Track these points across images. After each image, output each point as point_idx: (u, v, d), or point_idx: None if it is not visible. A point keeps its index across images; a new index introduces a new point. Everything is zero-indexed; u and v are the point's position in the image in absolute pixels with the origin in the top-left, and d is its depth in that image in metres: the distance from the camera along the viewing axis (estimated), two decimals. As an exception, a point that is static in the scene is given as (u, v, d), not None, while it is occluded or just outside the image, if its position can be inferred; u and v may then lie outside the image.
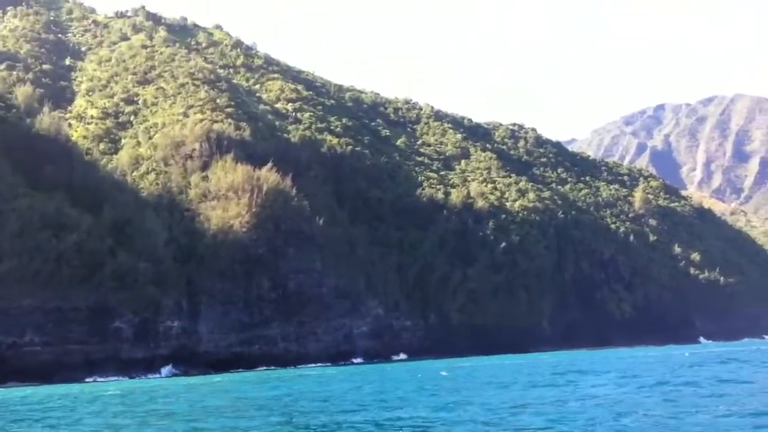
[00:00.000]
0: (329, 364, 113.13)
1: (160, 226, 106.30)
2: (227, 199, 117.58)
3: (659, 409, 30.26)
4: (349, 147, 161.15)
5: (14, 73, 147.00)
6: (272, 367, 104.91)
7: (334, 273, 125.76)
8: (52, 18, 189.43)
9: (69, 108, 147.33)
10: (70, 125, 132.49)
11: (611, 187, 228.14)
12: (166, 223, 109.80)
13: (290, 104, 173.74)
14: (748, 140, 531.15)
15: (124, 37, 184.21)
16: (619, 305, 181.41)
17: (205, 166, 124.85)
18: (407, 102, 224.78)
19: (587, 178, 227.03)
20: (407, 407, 35.55)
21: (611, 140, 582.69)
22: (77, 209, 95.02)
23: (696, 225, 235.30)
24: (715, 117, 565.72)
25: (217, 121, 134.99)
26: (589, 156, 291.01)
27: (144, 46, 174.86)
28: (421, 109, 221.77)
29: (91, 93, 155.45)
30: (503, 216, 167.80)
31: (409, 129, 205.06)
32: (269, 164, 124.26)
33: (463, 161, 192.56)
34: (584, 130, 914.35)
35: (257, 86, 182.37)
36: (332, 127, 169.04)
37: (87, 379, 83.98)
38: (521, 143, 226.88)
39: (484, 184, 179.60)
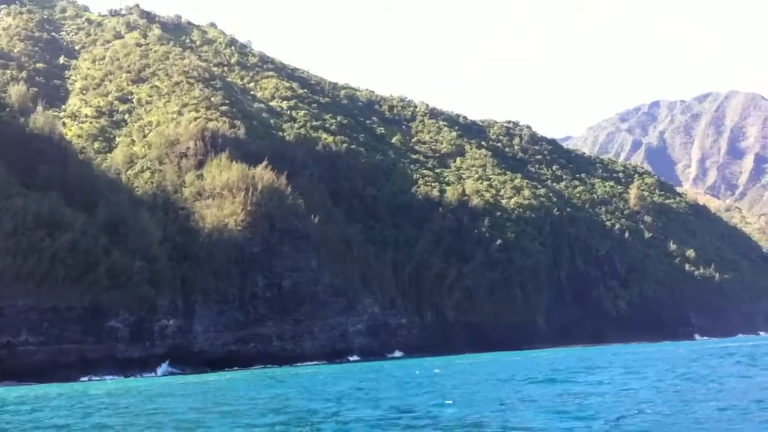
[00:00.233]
0: (325, 362, 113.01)
1: (154, 225, 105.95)
2: (222, 197, 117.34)
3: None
4: (344, 145, 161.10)
5: (8, 71, 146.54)
6: (268, 366, 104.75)
7: (329, 271, 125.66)
8: (45, 16, 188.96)
9: (63, 107, 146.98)
10: (64, 124, 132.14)
11: (606, 184, 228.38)
12: (161, 222, 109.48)
13: (285, 102, 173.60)
14: (742, 137, 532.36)
15: (118, 36, 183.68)
16: (614, 302, 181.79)
17: (199, 165, 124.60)
18: (402, 100, 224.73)
19: (582, 175, 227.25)
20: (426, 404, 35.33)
21: (606, 137, 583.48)
22: (71, 208, 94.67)
23: (691, 221, 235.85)
24: (709, 114, 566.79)
25: (211, 120, 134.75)
26: (584, 153, 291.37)
27: (138, 45, 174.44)
28: (416, 106, 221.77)
29: (85, 92, 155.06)
30: (498, 213, 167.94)
31: (404, 127, 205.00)
32: (264, 162, 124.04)
33: (458, 159, 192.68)
34: (579, 127, 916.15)
35: (252, 84, 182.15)
36: (327, 125, 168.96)
37: (82, 378, 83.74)
38: (516, 141, 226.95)
39: (480, 181, 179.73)
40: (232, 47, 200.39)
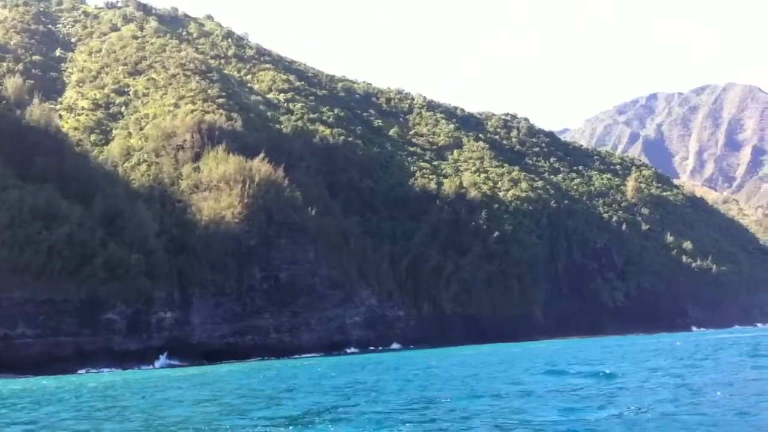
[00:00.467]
0: (323, 354, 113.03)
1: (151, 218, 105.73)
2: (219, 190, 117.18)
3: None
4: (342, 137, 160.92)
5: (4, 64, 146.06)
6: (266, 358, 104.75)
7: (326, 263, 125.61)
8: (41, 9, 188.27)
9: (59, 99, 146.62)
10: (60, 116, 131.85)
11: (604, 176, 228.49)
12: (158, 214, 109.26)
13: (282, 95, 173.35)
14: (740, 129, 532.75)
15: (115, 28, 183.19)
16: (611, 294, 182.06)
17: (196, 157, 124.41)
18: (399, 92, 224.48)
19: (580, 168, 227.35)
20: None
21: (604, 129, 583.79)
22: (68, 201, 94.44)
23: (688, 214, 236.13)
24: (707, 106, 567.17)
25: (208, 112, 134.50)
26: (582, 145, 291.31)
27: (134, 37, 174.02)
28: (413, 99, 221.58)
29: (81, 84, 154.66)
30: (496, 206, 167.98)
31: (401, 119, 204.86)
32: (261, 155, 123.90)
33: (455, 151, 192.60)
34: (577, 120, 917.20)
35: (249, 77, 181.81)
36: (324, 118, 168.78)
37: (80, 371, 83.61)
38: (514, 133, 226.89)
39: (477, 173, 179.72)
40: (229, 39, 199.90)
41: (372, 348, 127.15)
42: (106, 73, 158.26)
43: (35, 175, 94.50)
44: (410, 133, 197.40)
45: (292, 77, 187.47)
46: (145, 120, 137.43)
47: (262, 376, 59.58)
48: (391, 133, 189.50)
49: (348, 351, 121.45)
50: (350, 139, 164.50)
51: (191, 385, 51.97)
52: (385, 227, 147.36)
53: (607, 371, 42.12)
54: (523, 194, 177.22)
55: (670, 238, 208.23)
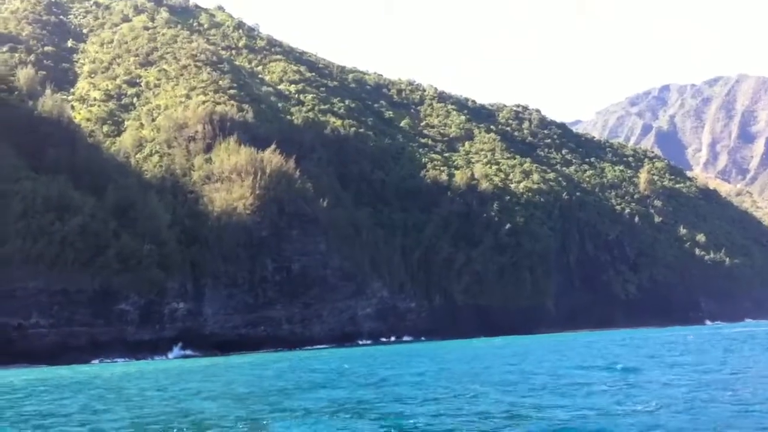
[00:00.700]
0: (334, 345, 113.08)
1: (163, 209, 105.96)
2: (231, 181, 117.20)
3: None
4: (353, 129, 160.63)
5: (16, 55, 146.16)
6: (279, 349, 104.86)
7: (338, 255, 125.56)
8: (53, 0, 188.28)
9: (71, 90, 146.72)
10: (72, 107, 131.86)
11: (616, 168, 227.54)
12: (170, 205, 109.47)
13: (293, 86, 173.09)
14: (753, 121, 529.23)
15: (126, 19, 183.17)
16: (624, 286, 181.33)
17: (208, 148, 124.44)
18: (411, 83, 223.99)
19: (592, 160, 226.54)
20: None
21: (616, 121, 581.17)
22: (80, 192, 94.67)
23: (701, 206, 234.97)
24: (720, 97, 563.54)
25: (219, 103, 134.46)
26: (594, 137, 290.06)
27: (146, 28, 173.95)
28: (424, 90, 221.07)
29: (93, 75, 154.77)
30: (507, 197, 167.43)
31: (412, 110, 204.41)
32: (272, 146, 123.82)
33: (467, 143, 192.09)
34: (589, 111, 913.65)
35: (260, 68, 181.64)
36: (335, 109, 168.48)
37: (93, 361, 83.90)
38: (525, 124, 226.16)
39: (488, 165, 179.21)
40: (240, 30, 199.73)
41: (384, 339, 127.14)
42: (118, 64, 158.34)
43: (48, 166, 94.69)
44: (421, 124, 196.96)
45: (303, 68, 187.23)
46: (156, 111, 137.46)
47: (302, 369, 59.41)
48: (402, 124, 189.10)
49: (360, 342, 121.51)
50: (361, 130, 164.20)
51: (239, 374, 51.90)
52: (397, 219, 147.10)
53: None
54: (535, 186, 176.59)
55: (683, 231, 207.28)
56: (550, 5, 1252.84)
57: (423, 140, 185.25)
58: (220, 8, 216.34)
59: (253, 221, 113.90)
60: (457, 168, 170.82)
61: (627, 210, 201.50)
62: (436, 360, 61.01)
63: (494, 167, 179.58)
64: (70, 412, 30.68)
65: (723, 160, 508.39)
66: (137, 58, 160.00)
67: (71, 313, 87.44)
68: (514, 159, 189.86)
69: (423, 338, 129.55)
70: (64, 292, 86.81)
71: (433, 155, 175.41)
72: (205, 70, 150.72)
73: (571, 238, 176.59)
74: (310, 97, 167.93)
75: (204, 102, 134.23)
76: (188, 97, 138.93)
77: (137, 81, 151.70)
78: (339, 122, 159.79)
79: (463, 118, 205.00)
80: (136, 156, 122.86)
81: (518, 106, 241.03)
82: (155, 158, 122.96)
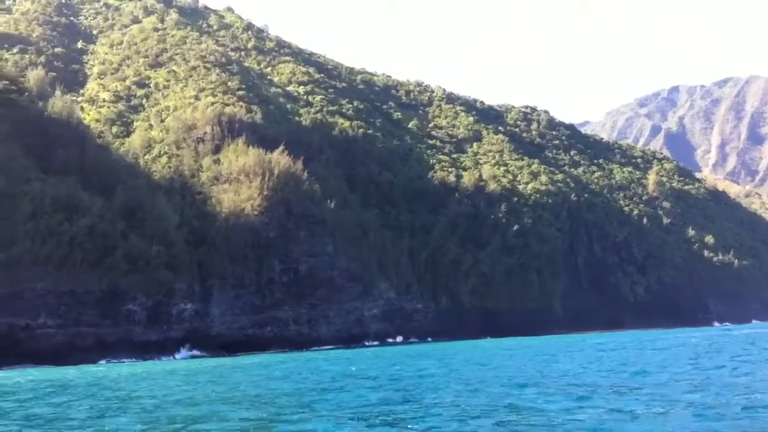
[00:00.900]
0: (342, 346, 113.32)
1: (171, 210, 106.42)
2: (239, 182, 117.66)
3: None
4: (361, 130, 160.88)
5: (26, 56, 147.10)
6: (287, 350, 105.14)
7: (345, 256, 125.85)
8: (63, 1, 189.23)
9: (81, 91, 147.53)
10: (82, 108, 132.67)
11: (625, 169, 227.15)
12: (178, 206, 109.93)
13: (302, 87, 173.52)
14: (763, 122, 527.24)
15: (136, 20, 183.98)
16: (632, 288, 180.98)
17: (216, 150, 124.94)
18: (419, 84, 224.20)
19: (600, 161, 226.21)
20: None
21: (625, 122, 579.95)
22: (89, 193, 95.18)
23: (710, 207, 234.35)
24: (729, 99, 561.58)
25: (228, 105, 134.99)
26: (603, 138, 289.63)
27: (155, 29, 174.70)
28: (432, 91, 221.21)
29: (102, 76, 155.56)
30: (515, 199, 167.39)
31: (420, 112, 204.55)
32: (281, 147, 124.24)
33: (475, 144, 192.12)
34: (598, 112, 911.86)
35: (269, 69, 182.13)
36: (344, 110, 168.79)
37: (100, 361, 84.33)
38: (534, 126, 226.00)
39: (497, 166, 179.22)
40: (249, 32, 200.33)
41: (390, 340, 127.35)
42: (128, 66, 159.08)
43: (57, 167, 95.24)
44: (429, 125, 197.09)
45: (311, 69, 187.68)
46: (165, 112, 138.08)
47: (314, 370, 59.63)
48: (410, 125, 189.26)
49: (367, 343, 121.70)
50: (369, 131, 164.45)
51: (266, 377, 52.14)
52: (404, 220, 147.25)
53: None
54: (543, 187, 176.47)
55: (691, 232, 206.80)
56: (550, 5, 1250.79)
57: (431, 141, 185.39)
58: (230, 9, 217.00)
59: (260, 222, 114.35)
60: (465, 169, 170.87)
61: (635, 211, 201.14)
62: (456, 360, 61.09)
63: (502, 168, 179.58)
64: (80, 416, 30.85)
65: (732, 162, 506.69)
66: (146, 59, 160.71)
67: (79, 313, 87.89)
68: (522, 160, 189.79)
69: (429, 339, 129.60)
70: (71, 293, 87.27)
71: (441, 156, 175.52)
72: (214, 71, 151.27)
73: (579, 240, 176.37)
74: (318, 98, 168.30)
75: (213, 103, 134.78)
76: (197, 98, 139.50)
77: (146, 82, 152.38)
78: (347, 123, 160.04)
79: (471, 119, 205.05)
80: (145, 157, 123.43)
81: (527, 107, 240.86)
82: (164, 159, 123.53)
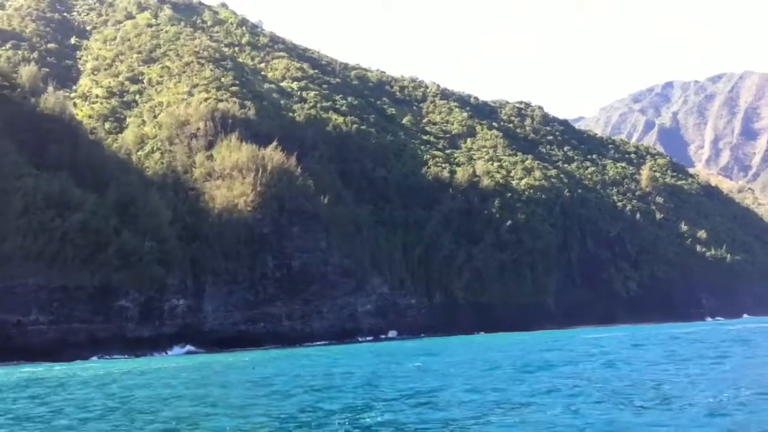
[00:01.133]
0: (335, 342, 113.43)
1: (164, 206, 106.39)
2: (232, 178, 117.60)
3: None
4: (355, 126, 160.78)
5: (19, 52, 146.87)
6: (284, 346, 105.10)
7: (339, 252, 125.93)
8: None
9: (74, 87, 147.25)
10: (75, 104, 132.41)
11: (618, 165, 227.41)
12: (171, 202, 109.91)
13: (295, 83, 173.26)
14: (756, 118, 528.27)
15: (129, 16, 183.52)
16: (624, 283, 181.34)
17: (209, 146, 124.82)
18: (413, 80, 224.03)
19: (594, 156, 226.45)
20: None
21: (619, 118, 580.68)
22: (82, 188, 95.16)
23: (703, 203, 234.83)
24: (723, 94, 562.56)
25: (221, 100, 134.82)
26: (596, 134, 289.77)
27: (149, 25, 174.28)
28: (426, 87, 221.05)
29: (96, 72, 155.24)
30: (509, 194, 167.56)
31: (414, 107, 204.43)
32: (274, 143, 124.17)
33: (468, 139, 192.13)
34: (592, 108, 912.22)
35: (262, 65, 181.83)
36: (338, 106, 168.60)
37: (93, 358, 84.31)
38: (528, 121, 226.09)
39: (490, 162, 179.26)
40: (243, 27, 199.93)
41: (383, 336, 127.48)
42: (121, 61, 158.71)
43: (49, 163, 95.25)
44: (423, 121, 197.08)
45: (305, 65, 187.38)
46: (158, 108, 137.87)
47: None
48: (404, 121, 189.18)
49: (360, 339, 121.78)
50: (363, 127, 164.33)
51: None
52: (398, 216, 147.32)
53: None
54: (537, 183, 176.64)
55: (684, 227, 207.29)
56: (547, 3, 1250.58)
57: (425, 137, 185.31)
58: (224, 5, 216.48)
59: (253, 218, 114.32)
60: (458, 165, 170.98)
61: (628, 207, 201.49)
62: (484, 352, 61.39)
63: (496, 164, 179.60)
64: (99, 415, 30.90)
65: (725, 157, 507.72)
66: (140, 55, 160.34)
67: (71, 309, 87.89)
68: (516, 156, 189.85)
69: (422, 335, 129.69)
70: (63, 289, 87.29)
71: (435, 152, 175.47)
72: (207, 67, 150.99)
73: (573, 235, 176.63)
74: (312, 94, 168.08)
75: (206, 99, 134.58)
76: (190, 94, 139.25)
77: (140, 78, 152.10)
78: (341, 119, 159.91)
79: (465, 114, 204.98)
80: (138, 153, 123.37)
81: (521, 102, 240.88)
82: (157, 155, 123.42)
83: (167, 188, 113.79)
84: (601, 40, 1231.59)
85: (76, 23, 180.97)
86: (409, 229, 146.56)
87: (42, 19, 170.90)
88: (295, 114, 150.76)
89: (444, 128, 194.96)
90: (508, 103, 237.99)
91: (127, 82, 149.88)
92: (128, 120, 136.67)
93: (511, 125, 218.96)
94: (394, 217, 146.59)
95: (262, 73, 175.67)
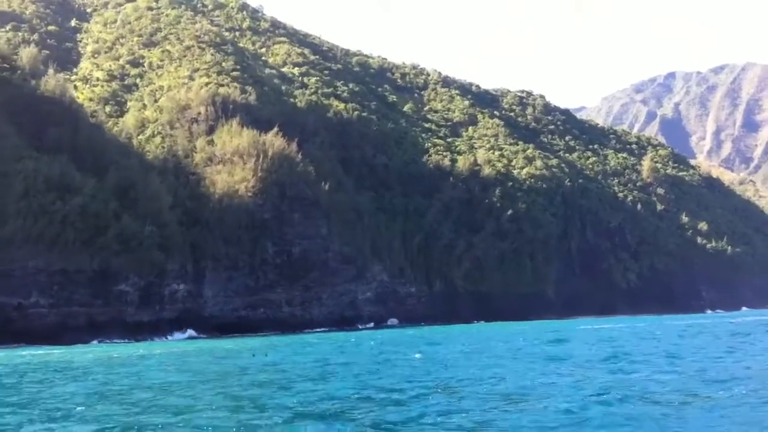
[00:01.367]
0: (335, 329, 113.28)
1: (165, 190, 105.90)
2: (232, 163, 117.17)
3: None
4: (356, 112, 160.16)
5: (19, 34, 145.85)
6: (285, 333, 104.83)
7: (339, 239, 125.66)
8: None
9: (74, 70, 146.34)
10: (75, 87, 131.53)
11: (619, 155, 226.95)
12: (171, 186, 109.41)
13: (297, 68, 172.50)
14: (758, 109, 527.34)
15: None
16: (624, 274, 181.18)
17: (210, 130, 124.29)
18: (415, 67, 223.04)
19: (595, 146, 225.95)
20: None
21: (621, 108, 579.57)
22: (82, 172, 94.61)
23: (704, 194, 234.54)
24: (725, 86, 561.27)
25: (222, 85, 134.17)
26: (598, 124, 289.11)
27: (150, 8, 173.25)
28: (428, 74, 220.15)
29: (96, 55, 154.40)
30: (510, 183, 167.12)
31: (416, 95, 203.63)
32: (275, 129, 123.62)
33: (470, 128, 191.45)
34: (594, 98, 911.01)
35: (263, 50, 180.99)
36: (339, 92, 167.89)
37: (93, 342, 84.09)
38: (529, 110, 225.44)
39: (491, 151, 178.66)
40: (244, 12, 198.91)
41: (383, 324, 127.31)
42: (121, 45, 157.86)
43: (49, 146, 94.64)
44: (425, 109, 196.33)
45: (306, 51, 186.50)
46: (159, 92, 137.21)
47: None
48: (405, 108, 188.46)
49: (360, 327, 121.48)
50: (364, 114, 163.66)
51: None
52: (398, 204, 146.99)
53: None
54: (538, 172, 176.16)
55: (685, 219, 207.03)
56: (546, 3, 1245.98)
57: (426, 125, 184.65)
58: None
59: (254, 204, 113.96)
60: (459, 153, 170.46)
61: (629, 197, 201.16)
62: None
63: (497, 153, 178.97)
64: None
65: (727, 149, 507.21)
66: (141, 38, 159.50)
67: (71, 293, 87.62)
68: (518, 145, 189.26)
69: (422, 323, 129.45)
70: (63, 272, 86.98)
71: (436, 140, 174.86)
72: (208, 51, 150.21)
73: (573, 225, 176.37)
74: (313, 80, 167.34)
75: (207, 84, 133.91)
76: (191, 78, 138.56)
77: (140, 62, 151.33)
78: (342, 106, 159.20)
79: (466, 103, 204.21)
80: (138, 137, 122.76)
81: (522, 91, 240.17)
82: (157, 139, 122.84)
83: (168, 173, 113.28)
84: (605, 30, 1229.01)
85: (77, 5, 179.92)
86: (409, 217, 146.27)
87: (42, 0, 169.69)
88: (296, 100, 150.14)
89: (445, 116, 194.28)
90: (509, 91, 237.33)
91: (127, 66, 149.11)
92: (129, 104, 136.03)
93: (512, 114, 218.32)
94: (395, 205, 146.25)
95: (263, 58, 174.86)
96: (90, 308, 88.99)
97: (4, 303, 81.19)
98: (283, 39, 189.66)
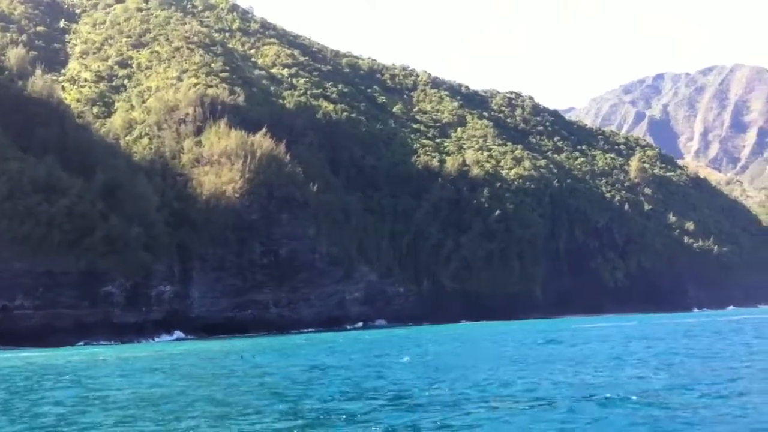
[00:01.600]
0: (322, 329, 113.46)
1: (152, 191, 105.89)
2: (220, 164, 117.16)
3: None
4: (345, 113, 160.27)
5: (7, 34, 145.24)
6: (270, 334, 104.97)
7: (327, 239, 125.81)
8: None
9: (62, 71, 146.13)
10: (63, 88, 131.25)
11: (607, 155, 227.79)
12: (159, 187, 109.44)
13: (286, 69, 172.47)
14: (746, 110, 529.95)
15: (119, 0, 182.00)
16: (612, 273, 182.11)
17: (198, 131, 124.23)
18: (404, 69, 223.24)
19: (584, 147, 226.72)
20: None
21: (610, 109, 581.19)
22: (68, 173, 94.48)
23: (691, 194, 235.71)
24: (714, 87, 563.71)
25: (211, 86, 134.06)
26: (587, 125, 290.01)
27: (139, 9, 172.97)
28: (417, 76, 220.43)
29: (85, 56, 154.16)
30: (498, 184, 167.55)
31: (405, 96, 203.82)
32: (263, 130, 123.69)
33: (459, 129, 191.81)
34: (583, 99, 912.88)
35: (253, 51, 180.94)
36: (328, 93, 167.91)
37: (79, 344, 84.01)
38: (518, 111, 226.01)
39: (480, 152, 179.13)
40: (234, 13, 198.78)
41: (370, 323, 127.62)
42: (110, 45, 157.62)
43: (36, 146, 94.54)
44: (414, 110, 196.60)
45: (296, 52, 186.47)
46: (147, 93, 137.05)
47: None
48: (394, 109, 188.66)
49: (348, 327, 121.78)
50: (353, 115, 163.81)
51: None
52: (387, 204, 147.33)
53: None
54: (526, 173, 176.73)
55: (672, 218, 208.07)
56: (533, 2, 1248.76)
57: (415, 126, 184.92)
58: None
59: (242, 205, 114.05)
60: (448, 154, 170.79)
61: (617, 197, 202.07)
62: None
63: (486, 153, 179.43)
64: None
65: (714, 149, 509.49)
66: (129, 39, 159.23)
67: (56, 295, 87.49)
68: (506, 146, 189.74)
69: (410, 323, 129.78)
70: (49, 274, 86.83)
71: (425, 141, 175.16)
72: (197, 52, 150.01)
73: (561, 225, 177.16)
74: (302, 81, 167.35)
75: (195, 84, 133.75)
76: (180, 79, 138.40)
77: (129, 62, 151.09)
78: (331, 107, 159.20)
79: (455, 104, 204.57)
80: (126, 138, 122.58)
81: (511, 92, 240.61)
82: (145, 140, 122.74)
83: (155, 174, 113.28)
84: (594, 31, 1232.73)
85: (65, 6, 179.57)
86: (397, 217, 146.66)
87: (31, 1, 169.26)
88: (285, 101, 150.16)
89: (434, 117, 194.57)
90: (498, 93, 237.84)
91: (116, 67, 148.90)
92: (116, 104, 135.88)
93: (501, 115, 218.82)
94: (383, 206, 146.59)
95: (252, 59, 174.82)
96: (76, 310, 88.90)
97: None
98: (272, 40, 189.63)
